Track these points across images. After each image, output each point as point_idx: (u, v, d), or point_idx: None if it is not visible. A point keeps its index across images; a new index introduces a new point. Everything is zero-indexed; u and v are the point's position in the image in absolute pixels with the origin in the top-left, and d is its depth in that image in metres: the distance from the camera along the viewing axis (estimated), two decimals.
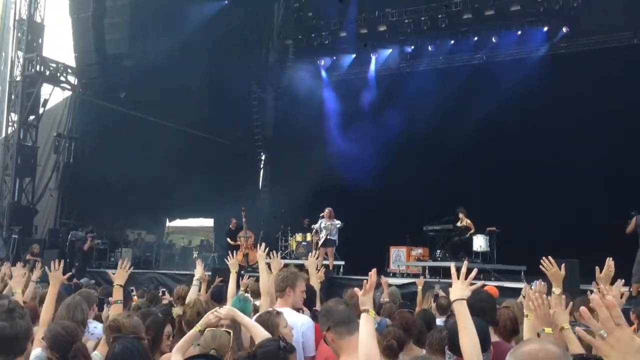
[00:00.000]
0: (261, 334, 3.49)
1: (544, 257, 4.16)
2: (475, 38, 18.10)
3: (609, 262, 4.14)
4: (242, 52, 20.82)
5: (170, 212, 21.32)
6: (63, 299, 4.69)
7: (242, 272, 13.78)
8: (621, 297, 4.05)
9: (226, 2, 20.01)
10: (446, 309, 5.70)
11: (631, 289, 9.69)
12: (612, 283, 4.31)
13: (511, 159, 16.33)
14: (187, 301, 5.37)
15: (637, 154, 14.38)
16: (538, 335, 3.21)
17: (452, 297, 2.87)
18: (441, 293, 7.11)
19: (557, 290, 4.10)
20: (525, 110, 16.20)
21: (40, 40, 17.98)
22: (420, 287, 8.25)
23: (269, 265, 5.21)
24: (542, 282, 3.67)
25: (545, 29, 17.09)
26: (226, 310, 3.59)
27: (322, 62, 20.79)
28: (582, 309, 1.71)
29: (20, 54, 17.86)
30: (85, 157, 17.59)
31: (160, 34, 17.17)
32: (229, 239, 15.34)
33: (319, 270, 7.33)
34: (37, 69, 17.66)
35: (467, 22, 17.62)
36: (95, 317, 4.97)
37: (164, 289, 7.97)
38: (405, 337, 4.10)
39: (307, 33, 20.38)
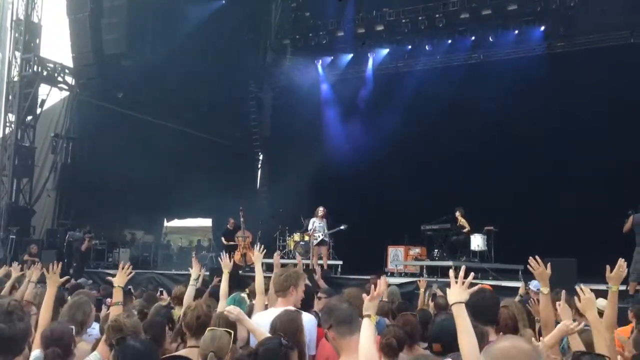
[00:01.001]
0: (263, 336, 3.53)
1: (530, 257, 4.21)
2: (473, 37, 18.11)
3: (621, 262, 4.14)
4: (240, 52, 20.80)
5: (168, 212, 21.31)
6: (60, 300, 4.70)
7: (240, 271, 13.84)
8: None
9: (223, 2, 19.98)
10: (444, 308, 5.71)
11: (628, 288, 9.73)
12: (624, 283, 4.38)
13: (509, 158, 16.36)
14: (184, 301, 5.37)
15: (635, 154, 14.43)
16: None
17: (451, 300, 2.87)
18: (439, 292, 7.14)
19: (544, 290, 4.17)
20: (523, 109, 16.21)
21: (37, 41, 17.95)
22: (422, 289, 8.28)
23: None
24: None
25: (543, 28, 17.11)
26: (236, 313, 3.71)
27: (320, 62, 20.77)
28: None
29: (17, 54, 17.83)
30: (83, 158, 17.57)
31: (157, 34, 17.18)
32: (223, 239, 15.37)
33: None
34: (35, 69, 17.64)
35: (465, 21, 17.62)
36: (94, 318, 4.99)
37: (162, 289, 7.97)
38: (406, 338, 4.11)
39: (304, 33, 20.37)
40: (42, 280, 7.56)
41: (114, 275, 4.86)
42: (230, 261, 5.58)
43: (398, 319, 4.78)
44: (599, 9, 15.65)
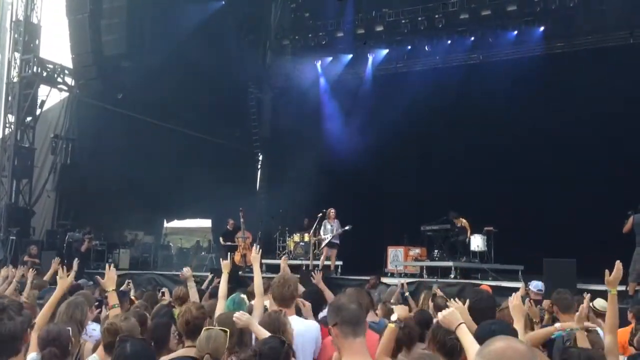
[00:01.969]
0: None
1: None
2: (472, 38, 18.12)
3: (619, 266, 4.15)
4: (240, 53, 20.79)
5: (168, 213, 21.31)
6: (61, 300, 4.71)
7: (240, 272, 13.86)
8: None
9: (223, 2, 19.99)
10: (443, 309, 5.70)
11: (627, 288, 9.74)
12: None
13: (508, 159, 16.36)
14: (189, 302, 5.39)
15: (635, 154, 14.44)
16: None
17: (454, 324, 3.03)
18: (439, 293, 7.14)
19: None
20: (522, 109, 16.23)
21: (37, 42, 17.94)
22: (407, 292, 8.18)
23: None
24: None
25: (542, 29, 17.12)
26: (245, 319, 3.77)
27: (320, 62, 20.79)
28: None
29: (17, 55, 17.81)
30: (83, 159, 17.56)
31: (157, 35, 17.17)
32: (221, 239, 15.39)
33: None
34: (34, 70, 17.62)
35: (464, 22, 17.63)
36: (94, 318, 4.99)
37: (163, 290, 7.97)
38: (404, 339, 4.12)
39: (304, 33, 20.39)
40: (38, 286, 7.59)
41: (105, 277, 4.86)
42: (230, 262, 5.58)
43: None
44: (598, 10, 15.67)
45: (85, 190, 16.95)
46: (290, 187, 17.07)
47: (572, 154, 15.48)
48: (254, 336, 3.87)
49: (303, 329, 3.97)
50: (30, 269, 8.26)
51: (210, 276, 10.01)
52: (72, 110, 17.82)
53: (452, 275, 12.60)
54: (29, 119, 17.70)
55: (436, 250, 13.85)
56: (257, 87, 22.64)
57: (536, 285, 7.95)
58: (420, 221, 14.33)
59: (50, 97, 18.22)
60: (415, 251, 14.70)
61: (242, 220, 14.78)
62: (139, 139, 17.24)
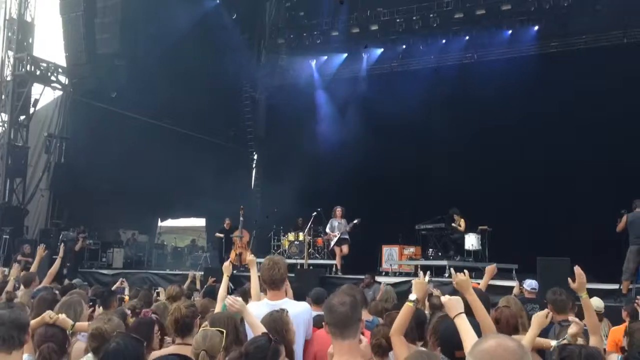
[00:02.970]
0: (257, 330, 3.58)
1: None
2: (467, 37, 18.16)
3: (578, 271, 4.15)
4: (234, 52, 20.77)
5: (162, 212, 21.27)
6: (51, 301, 4.68)
7: (235, 271, 13.83)
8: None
9: (218, 1, 19.97)
10: (439, 308, 5.70)
11: (621, 287, 9.77)
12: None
13: (503, 158, 16.39)
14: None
15: (628, 153, 14.50)
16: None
17: (452, 313, 3.09)
18: (435, 292, 7.13)
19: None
20: (516, 109, 16.26)
21: (30, 40, 17.88)
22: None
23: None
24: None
25: (536, 28, 17.16)
26: (238, 305, 3.79)
27: (314, 61, 20.79)
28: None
29: (10, 53, 17.75)
30: (76, 157, 17.50)
31: (151, 33, 17.11)
32: (217, 234, 15.39)
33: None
34: (28, 68, 17.57)
35: (459, 21, 17.68)
36: (87, 318, 4.97)
37: (159, 290, 7.96)
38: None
39: (299, 32, 20.39)
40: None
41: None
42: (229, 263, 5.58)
43: (386, 318, 4.76)
44: (592, 10, 15.72)
45: (79, 189, 16.88)
46: (284, 187, 17.05)
47: (567, 153, 15.52)
48: (249, 333, 3.88)
49: (295, 311, 3.97)
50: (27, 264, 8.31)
51: (191, 275, 9.97)
52: (65, 109, 17.76)
53: (446, 274, 12.62)
54: (22, 117, 17.64)
55: (431, 249, 13.86)
56: (252, 86, 22.62)
57: (530, 284, 7.94)
58: (414, 220, 14.34)
59: (44, 95, 18.21)
60: (410, 250, 14.72)
61: (241, 219, 14.74)
62: (133, 138, 17.19)
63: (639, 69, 14.33)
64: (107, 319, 3.84)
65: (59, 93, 18.22)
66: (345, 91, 19.47)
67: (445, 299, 3.21)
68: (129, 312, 5.12)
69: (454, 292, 4.12)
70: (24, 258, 14.82)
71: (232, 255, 14.22)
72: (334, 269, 13.75)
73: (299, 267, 13.86)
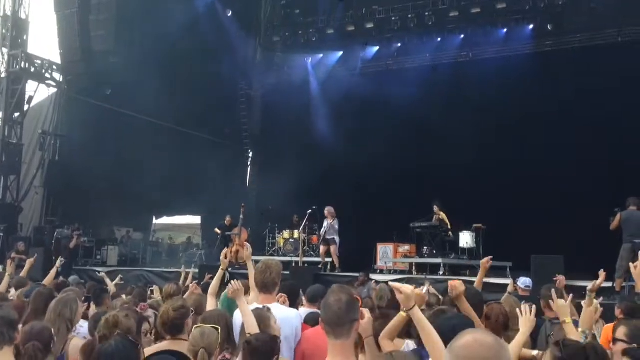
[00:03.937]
0: (252, 323, 3.70)
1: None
2: (462, 36, 18.18)
3: (556, 300, 4.07)
4: (230, 49, 20.73)
5: (157, 210, 21.23)
6: (48, 298, 4.68)
7: (230, 269, 13.83)
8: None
9: None
10: (434, 306, 5.73)
11: (614, 284, 9.82)
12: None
13: (497, 156, 16.44)
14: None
15: (622, 152, 14.56)
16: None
17: (407, 305, 3.07)
18: (431, 290, 7.16)
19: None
20: (511, 107, 16.29)
21: (25, 37, 17.80)
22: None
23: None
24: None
25: (531, 27, 17.20)
26: (236, 288, 4.00)
27: (310, 59, 20.78)
28: None
29: (5, 50, 17.66)
30: (71, 155, 17.45)
31: (146, 31, 17.04)
32: (217, 229, 15.39)
33: None
34: (22, 65, 17.49)
35: (454, 19, 17.69)
36: (82, 315, 4.97)
37: (152, 288, 7.97)
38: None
39: (294, 30, 20.36)
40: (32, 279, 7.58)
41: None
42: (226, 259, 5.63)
43: (377, 315, 4.75)
44: (587, 9, 15.77)
45: (74, 187, 16.84)
46: (280, 184, 17.06)
47: (561, 151, 15.56)
48: (237, 331, 3.91)
49: (282, 316, 3.99)
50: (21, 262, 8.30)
51: (184, 272, 9.97)
52: (60, 106, 17.71)
53: (441, 272, 12.67)
54: (16, 114, 17.57)
55: (425, 247, 13.91)
56: (247, 83, 22.59)
57: (524, 281, 7.99)
58: (409, 218, 14.37)
59: (39, 92, 18.13)
60: (405, 248, 14.75)
61: (241, 216, 14.74)
62: (128, 135, 17.16)
63: (634, 68, 14.38)
64: (125, 315, 3.86)
65: (53, 90, 18.16)
66: (341, 89, 19.45)
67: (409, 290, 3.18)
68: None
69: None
70: (18, 255, 14.77)
71: (229, 252, 14.22)
72: (300, 263, 13.79)
73: (294, 264, 13.88)
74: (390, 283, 3.37)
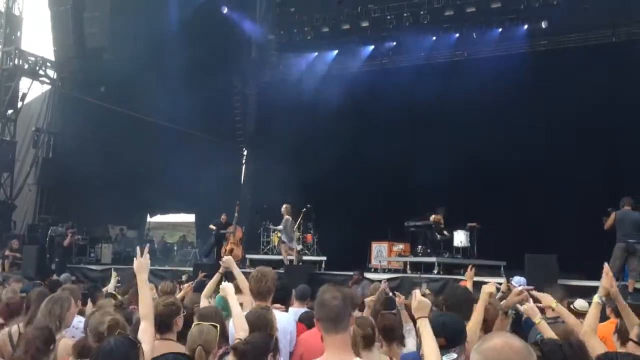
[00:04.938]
0: (242, 324, 3.74)
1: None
2: (457, 35, 18.19)
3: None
4: (224, 47, 20.68)
5: (151, 208, 21.19)
6: (43, 297, 4.67)
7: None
8: None
9: None
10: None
11: None
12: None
13: (492, 156, 16.43)
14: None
15: (617, 151, 14.62)
16: None
17: (417, 314, 3.19)
18: (428, 291, 7.18)
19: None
20: (506, 107, 16.31)
21: (18, 34, 17.74)
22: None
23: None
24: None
25: (526, 26, 17.23)
26: (227, 259, 4.45)
27: (305, 58, 20.74)
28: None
29: None
30: (65, 152, 17.40)
31: (140, 28, 17.01)
32: (212, 226, 15.36)
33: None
34: (16, 62, 17.41)
35: (449, 18, 17.70)
36: (79, 311, 4.97)
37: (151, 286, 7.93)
38: (387, 333, 4.17)
39: (289, 28, 20.33)
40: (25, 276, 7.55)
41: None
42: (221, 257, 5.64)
43: (378, 320, 4.74)
44: (581, 8, 15.79)
45: (68, 184, 16.79)
46: (274, 183, 17.04)
47: (555, 151, 15.60)
48: (231, 330, 3.90)
49: (277, 321, 4.02)
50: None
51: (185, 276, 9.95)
52: (54, 103, 17.65)
53: (435, 271, 12.69)
54: (10, 111, 17.49)
55: (420, 246, 13.93)
56: (242, 82, 22.55)
57: (518, 280, 7.99)
58: (404, 217, 14.39)
59: (32, 89, 18.08)
60: (399, 247, 14.78)
61: (236, 215, 14.74)
62: (122, 133, 17.10)
63: (627, 68, 14.44)
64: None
65: (47, 87, 18.11)
66: (336, 87, 19.41)
67: (415, 302, 3.27)
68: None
69: (443, 286, 4.17)
70: (11, 253, 14.75)
71: (223, 250, 14.24)
72: (295, 262, 13.57)
73: (288, 263, 13.87)
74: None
